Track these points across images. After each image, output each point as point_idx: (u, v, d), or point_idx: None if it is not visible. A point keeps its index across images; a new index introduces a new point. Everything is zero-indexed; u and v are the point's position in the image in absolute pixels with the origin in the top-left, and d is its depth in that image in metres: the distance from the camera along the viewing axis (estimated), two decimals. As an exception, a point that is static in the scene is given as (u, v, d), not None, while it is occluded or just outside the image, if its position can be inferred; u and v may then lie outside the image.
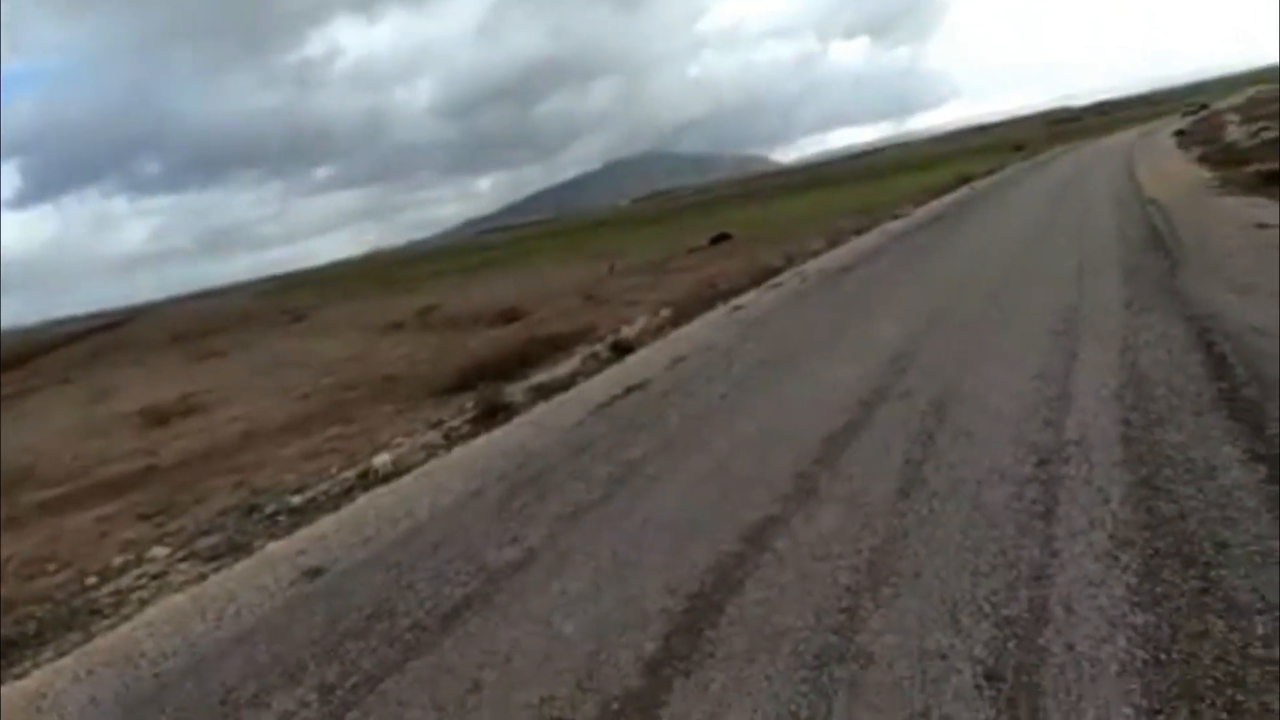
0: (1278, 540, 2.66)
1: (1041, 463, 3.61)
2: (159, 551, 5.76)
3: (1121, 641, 2.29)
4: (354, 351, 18.77)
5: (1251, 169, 14.10)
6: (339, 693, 2.80)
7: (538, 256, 42.21)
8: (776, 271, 13.71)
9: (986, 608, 2.57)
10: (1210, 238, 8.60)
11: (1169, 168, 19.29)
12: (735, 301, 11.11)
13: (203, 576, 4.68)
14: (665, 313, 11.65)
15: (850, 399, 5.11)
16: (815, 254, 15.59)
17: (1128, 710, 2.03)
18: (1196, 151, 22.41)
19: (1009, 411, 4.36)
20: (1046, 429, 4.01)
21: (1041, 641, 2.35)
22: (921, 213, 20.93)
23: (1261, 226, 8.29)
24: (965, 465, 3.73)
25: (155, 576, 5.13)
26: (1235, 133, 25.26)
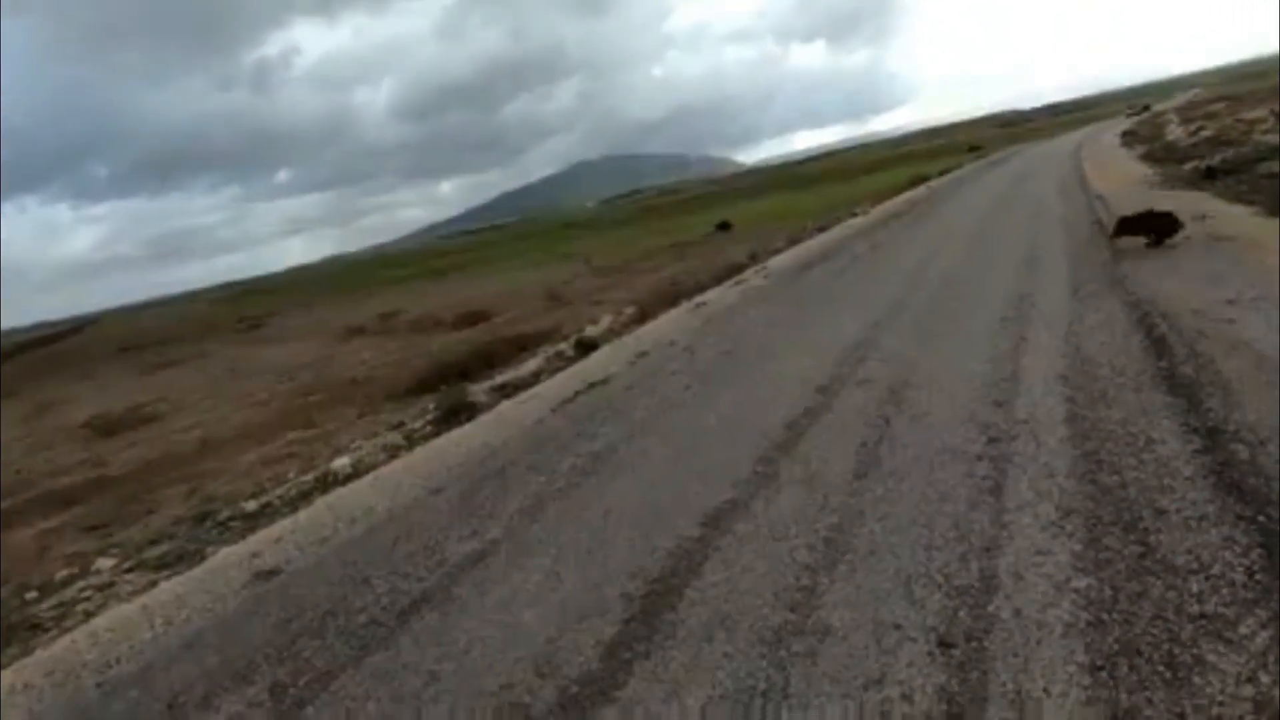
0: (1212, 506, 2.77)
1: (992, 440, 3.71)
2: (105, 563, 5.55)
3: (1066, 605, 2.35)
4: (314, 357, 18.37)
5: (1190, 166, 14.71)
6: (292, 691, 2.72)
7: (502, 260, 41.90)
8: (740, 269, 13.82)
9: (939, 579, 2.62)
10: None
11: (1114, 165, 20.00)
12: (699, 299, 11.17)
13: (152, 585, 4.52)
14: (630, 311, 11.66)
15: (809, 387, 5.17)
16: (778, 251, 15.77)
17: (1071, 669, 2.09)
18: (1140, 150, 23.29)
19: (962, 394, 4.46)
20: (997, 410, 4.12)
21: (991, 608, 2.41)
22: (880, 211, 21.34)
23: (1198, 218, 8.65)
24: (920, 446, 3.80)
25: (101, 588, 4.94)
26: (1175, 132, 26.33)
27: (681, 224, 38.01)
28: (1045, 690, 2.02)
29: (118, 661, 3.27)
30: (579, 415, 5.76)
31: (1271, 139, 13.88)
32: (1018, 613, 2.36)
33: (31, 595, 5.18)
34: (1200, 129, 23.64)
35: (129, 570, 5.20)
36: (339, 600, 3.38)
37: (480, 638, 2.81)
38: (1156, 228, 7.83)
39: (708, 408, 5.24)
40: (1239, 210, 9.11)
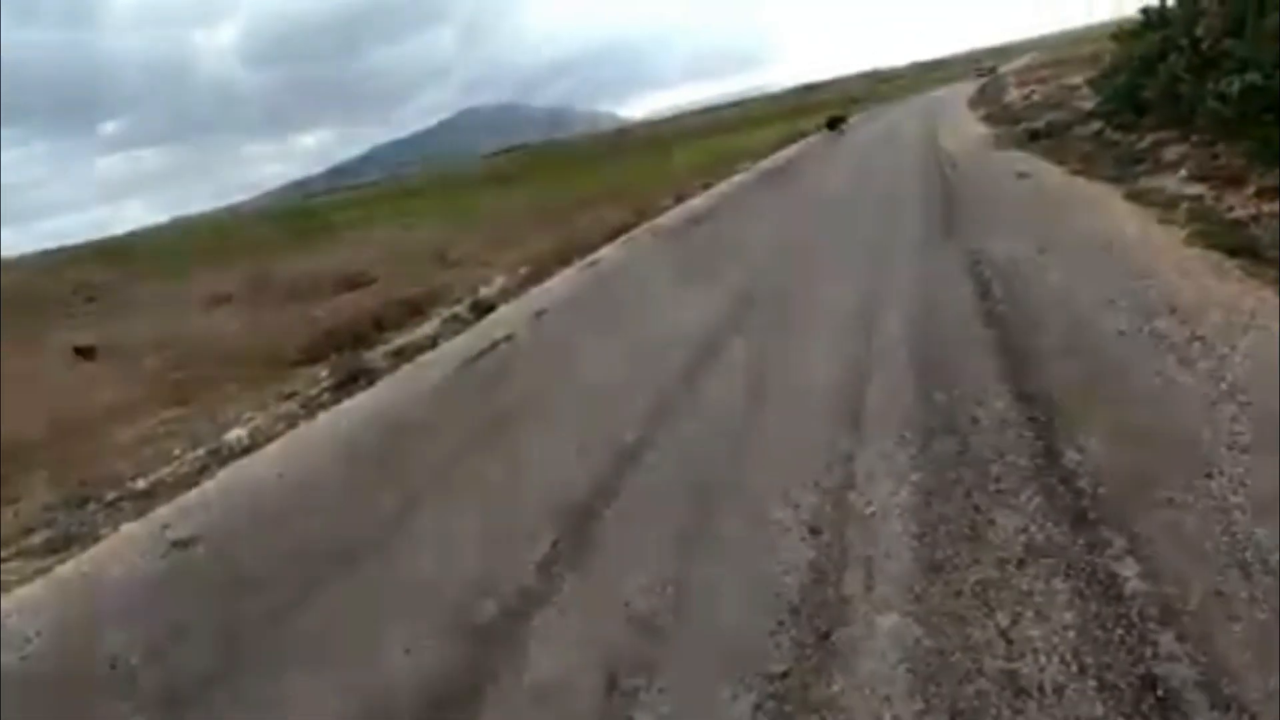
0: (1014, 412, 3.51)
1: (853, 364, 4.37)
2: (-25, 557, 5.19)
3: (904, 493, 2.98)
4: (174, 330, 16.90)
5: (1021, 127, 16.56)
6: (242, 640, 2.89)
7: (380, 219, 39.70)
8: (630, 227, 14.19)
9: (809, 482, 3.19)
10: (984, 186, 10.21)
11: (960, 125, 22.08)
12: (591, 257, 11.46)
13: (44, 570, 4.37)
14: (523, 271, 11.75)
15: (701, 331, 5.69)
16: (666, 209, 16.26)
17: (907, 539, 2.70)
18: (982, 111, 25.75)
19: (832, 325, 5.13)
20: (858, 336, 4.81)
21: (850, 499, 3.00)
22: (763, 164, 22.37)
23: (1021, 176, 9.97)
24: (796, 374, 4.40)
25: (-20, 580, 4.67)
26: (1012, 95, 29.20)
27: (569, 181, 37.63)
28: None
29: (38, 635, 3.26)
30: (484, 374, 5.98)
31: (1086, 105, 15.88)
32: (869, 503, 2.97)
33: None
34: (1032, 93, 26.38)
35: (9, 559, 4.93)
36: (276, 559, 3.52)
37: (417, 573, 3.09)
38: None
39: (611, 357, 5.63)
40: (1054, 169, 10.54)
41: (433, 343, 8.11)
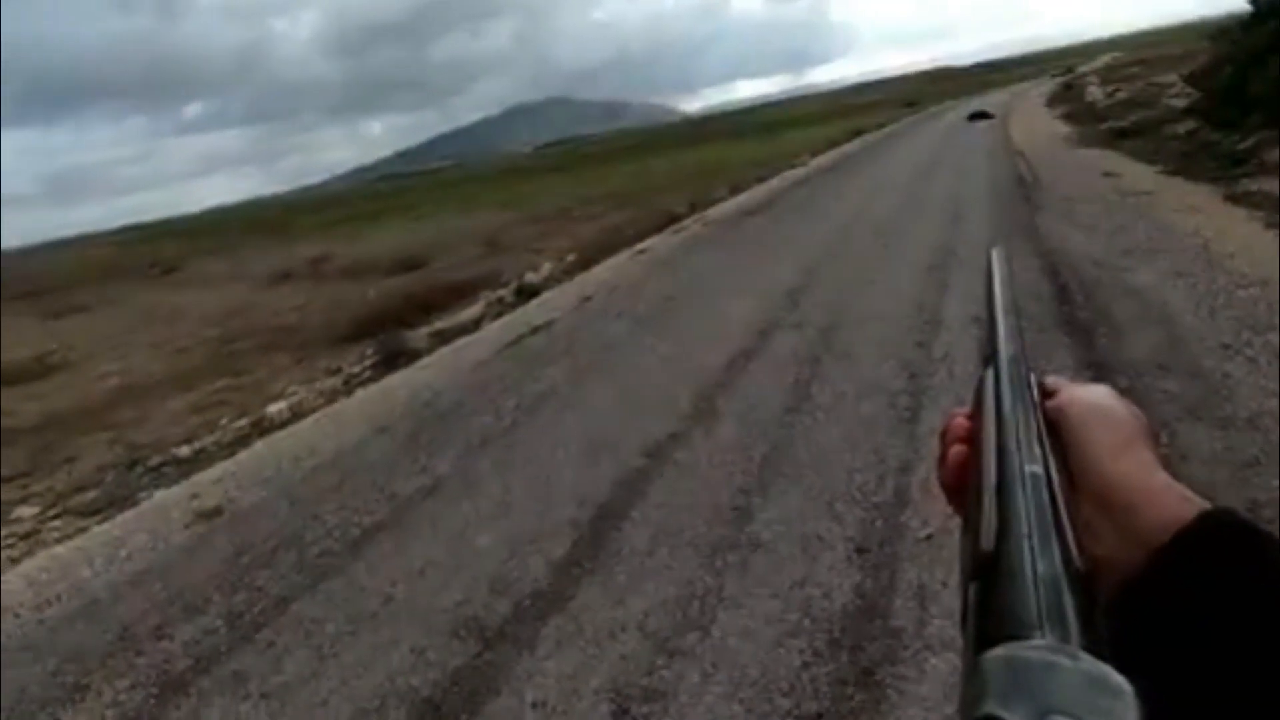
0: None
1: (913, 376, 4.01)
2: (26, 511, 5.34)
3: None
4: (238, 304, 17.51)
5: (1106, 126, 15.53)
6: (246, 618, 2.80)
7: (437, 205, 40.45)
8: (680, 218, 13.90)
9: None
10: (1064, 184, 9.51)
11: (1037, 123, 20.88)
12: (640, 246, 11.23)
13: (82, 530, 4.42)
14: (571, 258, 11.62)
15: (749, 329, 5.39)
16: (719, 201, 15.89)
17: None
18: (1061, 109, 24.34)
19: (889, 337, 4.76)
20: (919, 349, 4.44)
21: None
22: (819, 162, 21.70)
23: (1107, 175, 9.24)
24: (846, 382, 4.08)
25: (25, 536, 4.78)
26: (1095, 93, 27.56)
27: (622, 171, 37.51)
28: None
29: (57, 599, 3.25)
30: (523, 358, 5.83)
31: (1179, 103, 14.77)
32: (926, 522, 2.66)
33: (-54, 546, 4.97)
34: (1116, 90, 24.82)
35: (55, 517, 5.04)
36: (288, 534, 3.43)
37: (435, 563, 2.94)
38: None
39: (651, 349, 5.40)
40: (1143, 169, 9.77)
41: (476, 324, 8.05)
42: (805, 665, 2.06)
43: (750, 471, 3.22)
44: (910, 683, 1.95)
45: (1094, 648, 0.22)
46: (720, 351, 4.97)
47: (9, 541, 4.68)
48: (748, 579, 2.48)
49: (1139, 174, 9.39)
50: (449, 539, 3.11)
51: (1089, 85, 32.88)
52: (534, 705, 2.09)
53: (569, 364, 5.39)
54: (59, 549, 3.99)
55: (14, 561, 4.19)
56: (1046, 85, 45.18)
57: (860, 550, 2.52)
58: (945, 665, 1.97)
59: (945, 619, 2.12)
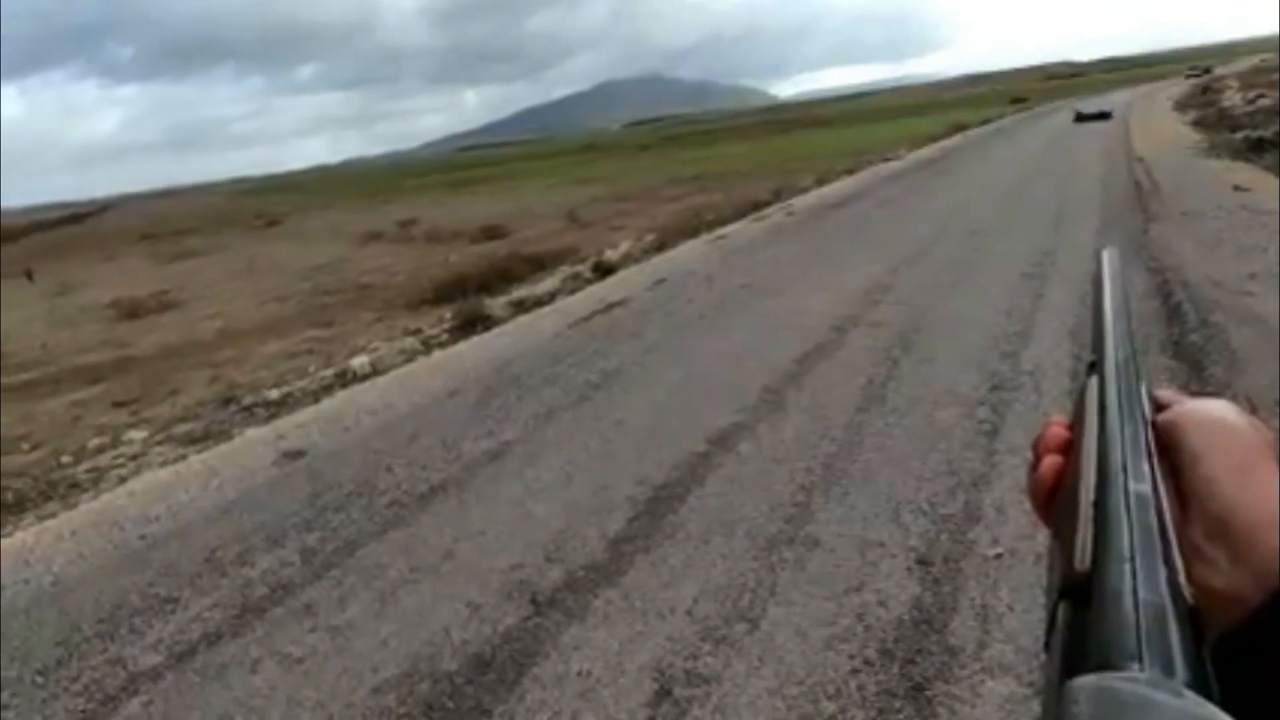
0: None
1: (995, 388, 3.82)
2: (135, 435, 5.84)
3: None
4: (331, 259, 18.45)
5: (1240, 135, 14.17)
6: (320, 555, 2.98)
7: (523, 177, 41.18)
8: (764, 205, 13.64)
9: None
10: (1187, 195, 8.76)
11: (1163, 129, 19.26)
12: (720, 231, 11.11)
13: (182, 458, 4.79)
14: (650, 238, 11.62)
15: (824, 324, 5.26)
16: (804, 191, 15.50)
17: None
18: (1191, 115, 22.34)
19: (974, 345, 4.55)
20: (1005, 360, 4.21)
21: (972, 536, 2.59)
22: (914, 156, 20.79)
23: (1238, 189, 8.45)
24: (923, 387, 3.92)
25: (133, 457, 5.24)
26: (1233, 98, 25.14)
27: (708, 154, 37.07)
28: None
29: (156, 519, 3.55)
30: (595, 334, 5.89)
31: (1332, 114, 13.30)
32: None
33: (67, 459, 5.50)
34: (1259, 97, 22.55)
35: (159, 443, 5.49)
36: (362, 482, 3.62)
37: (495, 524, 3.03)
38: None
39: (722, 335, 5.36)
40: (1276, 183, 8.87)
41: (551, 297, 8.19)
42: (854, 671, 2.02)
43: (814, 469, 3.16)
44: (963, 704, 1.88)
45: (1200, 686, 0.20)
46: (793, 345, 4.88)
47: (120, 462, 5.14)
48: (802, 577, 2.44)
49: (1276, 190, 8.54)
50: (510, 503, 3.20)
51: (1227, 89, 30.02)
52: (579, 674, 2.14)
53: (639, 345, 5.41)
54: (161, 473, 4.35)
55: (122, 480, 4.61)
56: (1177, 87, 41.52)
57: (922, 562, 2.44)
58: (1004, 690, 1.89)
59: (1008, 643, 2.03)
